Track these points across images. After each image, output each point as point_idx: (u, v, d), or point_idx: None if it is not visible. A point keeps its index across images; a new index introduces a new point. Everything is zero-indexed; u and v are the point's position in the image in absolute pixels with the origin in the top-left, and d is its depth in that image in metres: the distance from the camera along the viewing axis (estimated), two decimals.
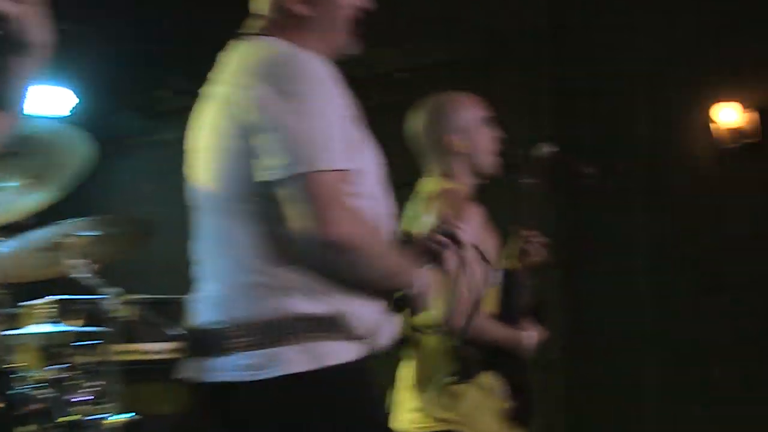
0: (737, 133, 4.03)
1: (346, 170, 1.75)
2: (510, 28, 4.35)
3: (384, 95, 4.10)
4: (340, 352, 1.76)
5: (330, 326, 1.78)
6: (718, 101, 4.01)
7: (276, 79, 1.77)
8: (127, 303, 3.35)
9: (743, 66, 3.99)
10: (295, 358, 1.72)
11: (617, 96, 4.15)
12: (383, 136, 1.97)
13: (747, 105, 4.00)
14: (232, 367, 1.75)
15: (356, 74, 2.11)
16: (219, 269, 1.84)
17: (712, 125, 4.01)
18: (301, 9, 1.89)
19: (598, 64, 4.14)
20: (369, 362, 1.83)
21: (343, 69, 1.90)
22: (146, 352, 3.83)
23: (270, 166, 1.70)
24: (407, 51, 4.77)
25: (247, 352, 1.74)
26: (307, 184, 1.70)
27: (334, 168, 1.72)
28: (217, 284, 1.83)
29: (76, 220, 3.25)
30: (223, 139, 1.80)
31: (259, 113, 1.74)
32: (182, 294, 4.06)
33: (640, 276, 4.15)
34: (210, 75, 1.98)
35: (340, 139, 1.76)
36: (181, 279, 4.72)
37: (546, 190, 2.76)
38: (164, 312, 3.76)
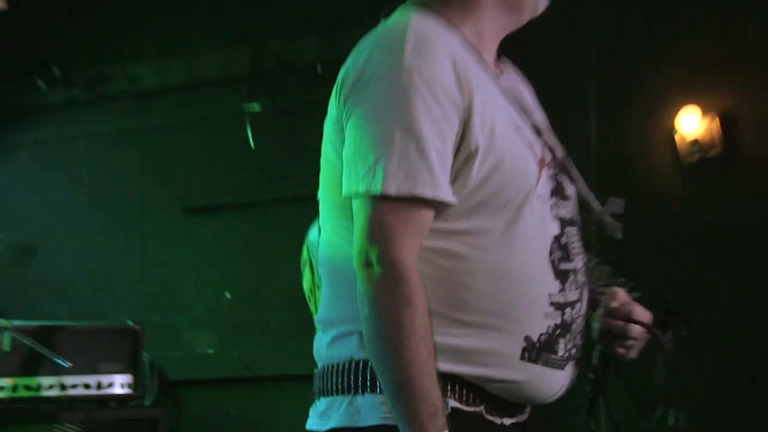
0: (696, 145, 3.79)
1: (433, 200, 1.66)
2: None
3: None
4: None
5: None
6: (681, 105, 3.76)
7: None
8: (2, 330, 3.38)
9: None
10: None
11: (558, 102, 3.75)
12: None
13: (707, 110, 3.74)
14: None
15: None
16: None
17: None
18: None
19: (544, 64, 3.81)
20: None
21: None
22: (31, 388, 3.69)
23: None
24: None
25: None
26: (368, 203, 1.65)
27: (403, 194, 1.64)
28: None
29: None
30: None
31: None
32: (73, 319, 3.92)
33: None
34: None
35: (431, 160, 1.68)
36: (70, 303, 4.43)
37: None
38: (50, 341, 3.70)
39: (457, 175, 1.63)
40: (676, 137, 3.69)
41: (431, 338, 1.60)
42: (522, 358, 1.69)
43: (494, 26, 1.78)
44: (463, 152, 1.63)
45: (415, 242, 1.61)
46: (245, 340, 4.48)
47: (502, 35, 1.81)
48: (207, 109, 4.58)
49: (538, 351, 1.71)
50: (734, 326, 3.64)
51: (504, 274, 1.70)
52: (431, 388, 1.56)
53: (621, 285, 2.03)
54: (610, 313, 1.86)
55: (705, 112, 3.65)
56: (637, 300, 1.98)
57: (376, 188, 1.57)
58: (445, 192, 1.61)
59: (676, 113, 3.67)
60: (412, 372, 1.56)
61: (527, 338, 1.69)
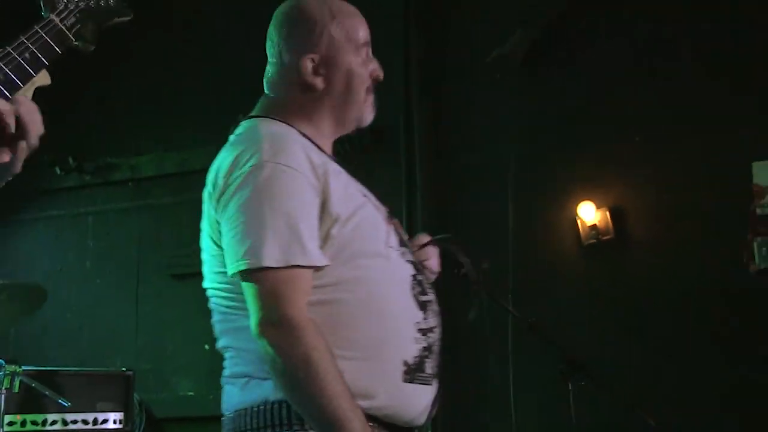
0: (594, 230, 4.17)
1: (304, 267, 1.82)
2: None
3: None
4: None
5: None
6: (581, 200, 4.17)
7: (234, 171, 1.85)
8: (14, 374, 3.48)
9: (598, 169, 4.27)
10: None
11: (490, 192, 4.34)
12: None
13: (600, 203, 4.17)
14: None
15: None
16: None
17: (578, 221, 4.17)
18: (314, 81, 1.96)
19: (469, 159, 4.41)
20: None
21: None
22: (37, 424, 3.81)
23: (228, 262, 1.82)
24: None
25: None
26: (254, 278, 1.76)
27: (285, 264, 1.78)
28: None
29: None
30: None
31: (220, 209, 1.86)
32: (75, 365, 4.31)
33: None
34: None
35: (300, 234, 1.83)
36: (74, 351, 4.91)
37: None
38: (54, 384, 3.79)
39: (326, 238, 1.83)
40: (578, 224, 4.10)
41: (339, 372, 1.74)
42: (404, 380, 1.87)
43: (329, 131, 1.99)
44: (327, 221, 1.82)
45: (302, 299, 1.77)
46: (220, 385, 4.52)
47: (336, 137, 2.04)
48: (195, 192, 4.60)
49: (413, 372, 1.90)
50: (621, 372, 3.86)
51: (379, 310, 1.89)
52: (355, 410, 1.73)
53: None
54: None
55: (599, 205, 4.07)
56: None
57: (258, 263, 1.72)
58: (316, 258, 1.78)
59: (578, 205, 4.08)
60: (338, 402, 1.71)
61: (405, 362, 1.87)
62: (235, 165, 1.80)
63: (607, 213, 4.09)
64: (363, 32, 2.00)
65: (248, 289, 1.72)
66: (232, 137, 1.92)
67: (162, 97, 5.17)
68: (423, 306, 1.97)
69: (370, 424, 1.81)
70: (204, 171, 4.83)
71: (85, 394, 3.99)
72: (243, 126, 1.93)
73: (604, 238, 4.10)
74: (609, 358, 3.91)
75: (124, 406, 4.07)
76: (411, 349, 1.90)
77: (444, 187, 4.52)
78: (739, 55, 4.01)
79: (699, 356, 3.88)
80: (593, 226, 4.09)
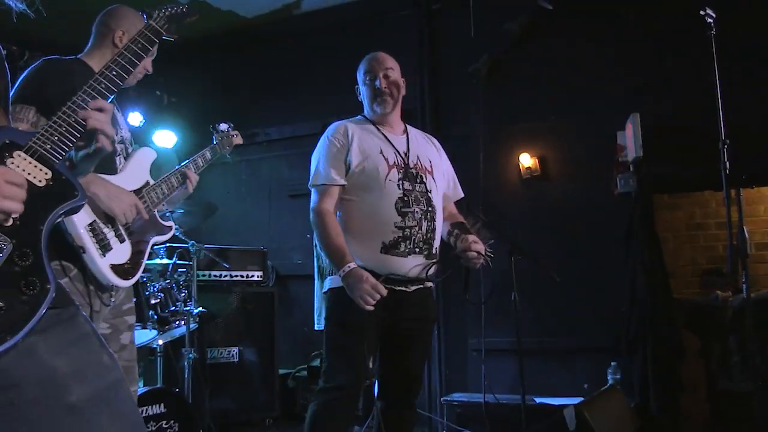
0: (529, 170, 4.92)
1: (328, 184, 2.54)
2: None
3: None
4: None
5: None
6: (521, 152, 4.96)
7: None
8: (200, 249, 4.18)
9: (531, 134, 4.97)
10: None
11: (467, 152, 5.02)
12: None
13: (532, 154, 4.92)
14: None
15: None
16: None
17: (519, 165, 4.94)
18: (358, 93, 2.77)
19: (458, 131, 5.09)
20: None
21: None
22: (212, 276, 4.68)
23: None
24: None
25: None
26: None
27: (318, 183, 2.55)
28: None
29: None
30: None
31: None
32: (234, 245, 5.17)
33: None
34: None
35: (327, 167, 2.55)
36: (233, 238, 5.68)
37: None
38: (223, 255, 4.69)
39: (346, 171, 2.57)
40: (520, 166, 4.98)
41: (339, 233, 2.45)
42: (381, 251, 2.48)
43: (381, 117, 2.69)
44: (347, 162, 2.56)
45: (330, 201, 2.55)
46: (315, 257, 5.13)
47: (389, 121, 2.70)
48: (302, 149, 5.24)
49: (387, 248, 2.49)
50: (543, 253, 4.41)
51: (374, 210, 2.51)
52: (341, 252, 2.42)
53: (486, 237, 2.73)
54: (464, 246, 2.52)
55: (532, 155, 4.98)
56: (492, 242, 2.69)
57: (313, 182, 2.60)
58: (337, 180, 2.55)
59: (520, 155, 4.99)
60: (331, 244, 2.43)
61: (383, 242, 2.48)
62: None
63: (536, 159, 4.94)
64: (365, 69, 2.75)
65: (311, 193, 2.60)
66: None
67: (280, 87, 5.82)
68: (402, 213, 2.51)
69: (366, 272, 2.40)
70: (308, 136, 5.51)
71: (240, 261, 4.89)
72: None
73: (534, 174, 4.93)
74: (536, 245, 4.57)
75: (262, 267, 4.99)
76: (388, 236, 2.49)
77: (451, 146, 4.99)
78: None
79: (585, 242, 4.63)
80: (528, 168, 4.94)
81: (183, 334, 3.84)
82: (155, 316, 3.61)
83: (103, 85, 1.52)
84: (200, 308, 3.86)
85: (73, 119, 1.44)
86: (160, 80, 5.34)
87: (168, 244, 4.14)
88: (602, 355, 4.28)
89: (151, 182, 2.47)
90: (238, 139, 2.93)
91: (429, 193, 2.59)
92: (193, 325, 3.83)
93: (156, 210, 2.46)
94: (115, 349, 2.31)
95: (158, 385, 3.40)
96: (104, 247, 2.16)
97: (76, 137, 1.44)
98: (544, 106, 4.98)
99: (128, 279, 2.25)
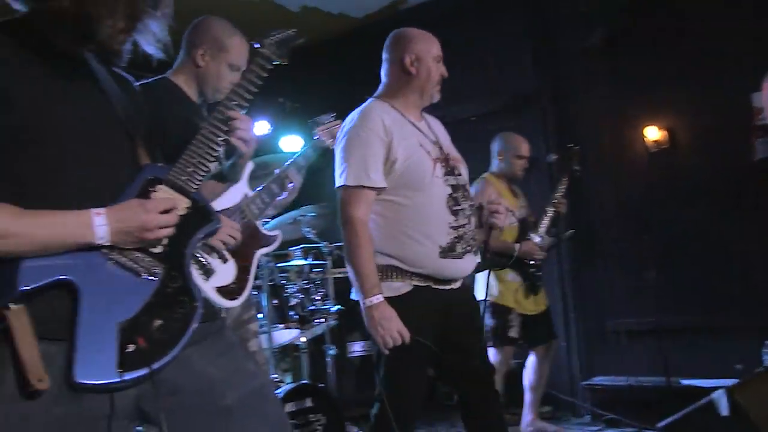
0: (656, 143, 4.76)
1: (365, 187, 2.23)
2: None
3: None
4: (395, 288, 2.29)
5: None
6: (647, 125, 4.77)
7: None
8: (332, 250, 4.19)
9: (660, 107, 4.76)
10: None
11: (590, 125, 5.01)
12: None
13: (660, 126, 4.74)
14: None
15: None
16: None
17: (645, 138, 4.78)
18: (408, 72, 2.41)
19: (584, 111, 5.03)
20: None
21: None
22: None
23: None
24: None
25: None
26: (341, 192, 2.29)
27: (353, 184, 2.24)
28: None
29: (303, 207, 3.96)
30: None
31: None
32: None
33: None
34: None
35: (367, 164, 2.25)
36: None
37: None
38: None
39: (389, 171, 2.28)
40: (646, 139, 4.76)
41: (371, 253, 2.21)
42: (439, 256, 2.27)
43: (413, 105, 2.45)
44: (390, 160, 2.29)
45: (366, 208, 2.26)
46: None
47: (420, 107, 2.49)
48: None
49: (445, 251, 2.28)
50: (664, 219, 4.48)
51: (428, 212, 2.29)
52: (372, 274, 2.19)
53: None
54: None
55: (659, 127, 4.74)
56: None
57: (341, 180, 2.29)
58: (377, 182, 2.26)
59: (645, 128, 4.76)
60: (363, 265, 2.19)
61: (440, 245, 2.28)
62: (346, 125, 2.38)
63: (665, 131, 4.74)
64: (435, 50, 2.49)
65: (338, 194, 2.31)
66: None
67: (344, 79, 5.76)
68: (455, 212, 2.33)
69: (420, 283, 2.26)
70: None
71: None
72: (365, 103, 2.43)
73: (663, 147, 4.74)
74: (671, 220, 4.59)
75: None
76: (444, 238, 2.28)
77: (569, 127, 5.09)
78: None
79: (726, 215, 4.39)
80: (655, 141, 4.76)
81: (324, 330, 3.98)
82: (296, 316, 3.75)
83: (224, 115, 1.62)
84: (338, 306, 3.95)
85: (203, 150, 1.55)
86: (284, 88, 5.48)
87: (303, 246, 4.32)
88: (756, 333, 3.98)
89: (250, 194, 2.48)
90: (339, 125, 2.73)
91: (467, 185, 2.47)
92: (332, 322, 3.95)
93: (259, 220, 2.48)
94: None
95: (304, 381, 3.53)
96: (207, 272, 2.24)
97: (207, 168, 1.55)
98: (668, 75, 4.72)
99: (235, 299, 2.32)
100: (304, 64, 4.61)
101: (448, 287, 2.32)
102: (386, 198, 2.31)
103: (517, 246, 3.89)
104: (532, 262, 4.02)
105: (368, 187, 2.26)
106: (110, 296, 1.38)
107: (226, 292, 2.28)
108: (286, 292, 3.78)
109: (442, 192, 2.31)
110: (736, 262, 4.45)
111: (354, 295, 2.31)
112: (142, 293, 1.42)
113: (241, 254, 2.39)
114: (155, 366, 1.37)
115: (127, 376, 1.33)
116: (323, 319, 3.88)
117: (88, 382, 1.32)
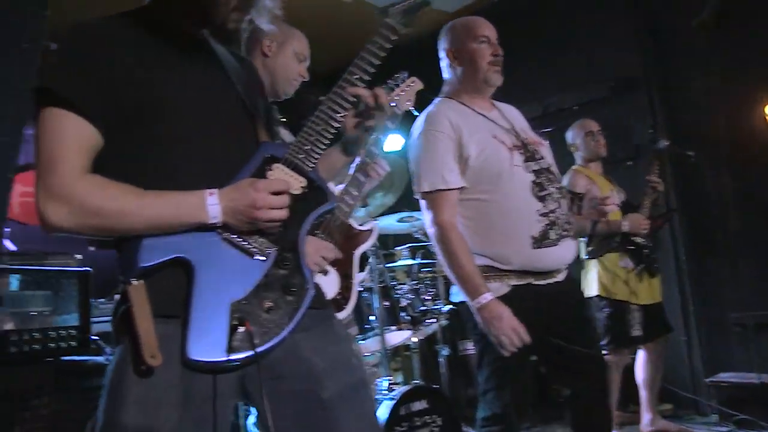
0: None
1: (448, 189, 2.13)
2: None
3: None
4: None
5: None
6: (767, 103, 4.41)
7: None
8: None
9: None
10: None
11: (701, 108, 4.78)
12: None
13: None
14: None
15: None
16: None
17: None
18: (454, 64, 2.37)
19: (688, 91, 4.82)
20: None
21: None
22: None
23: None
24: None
25: None
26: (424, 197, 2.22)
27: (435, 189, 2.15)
28: None
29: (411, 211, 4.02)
30: None
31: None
32: None
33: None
34: None
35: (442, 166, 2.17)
36: None
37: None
38: None
39: (464, 169, 2.21)
40: (767, 117, 4.44)
41: (469, 254, 2.13)
42: (532, 246, 2.17)
43: (476, 95, 2.38)
44: (463, 157, 2.21)
45: (451, 210, 2.19)
46: None
47: (485, 96, 2.41)
48: None
49: (538, 241, 2.18)
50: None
51: (508, 207, 2.20)
52: (473, 274, 2.11)
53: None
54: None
55: None
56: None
57: (418, 189, 2.23)
58: (454, 183, 2.19)
59: (766, 105, 4.42)
60: (463, 268, 2.11)
61: (531, 236, 2.18)
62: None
63: None
64: (478, 30, 2.36)
65: (422, 201, 2.27)
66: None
67: None
68: (541, 198, 2.23)
69: (519, 281, 2.17)
70: None
71: None
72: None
73: None
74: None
75: None
76: (535, 227, 2.18)
77: (678, 111, 4.86)
78: None
79: None
80: None
81: (436, 330, 3.95)
82: (408, 317, 3.72)
83: (346, 91, 1.56)
84: (449, 305, 3.87)
85: (321, 127, 1.51)
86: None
87: (411, 245, 4.30)
88: None
89: (336, 190, 2.40)
90: (418, 85, 2.49)
91: (551, 167, 2.33)
92: (444, 322, 3.90)
93: (351, 217, 2.39)
94: None
95: (418, 382, 3.50)
96: None
97: (325, 147, 1.51)
98: None
99: (343, 309, 2.27)
100: (402, 61, 4.80)
101: (550, 281, 2.23)
102: (469, 197, 2.24)
103: (623, 223, 3.73)
104: (643, 242, 3.85)
105: (446, 190, 2.19)
106: (223, 276, 1.38)
107: (333, 304, 2.24)
108: (397, 293, 3.74)
109: (524, 179, 2.22)
110: None
111: (454, 298, 2.26)
112: (255, 274, 1.42)
113: (341, 261, 2.34)
114: (260, 349, 1.37)
115: (234, 356, 1.33)
116: (434, 319, 3.83)
117: (200, 359, 1.32)
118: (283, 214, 1.42)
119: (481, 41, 2.33)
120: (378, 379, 3.44)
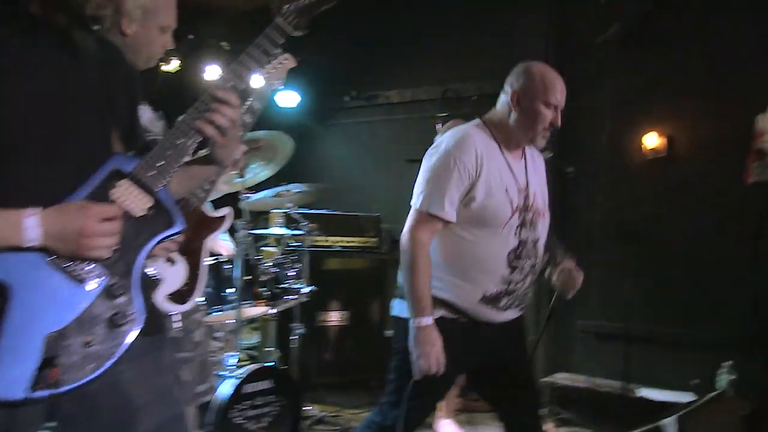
0: (654, 150, 4.68)
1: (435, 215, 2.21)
2: None
3: None
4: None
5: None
6: (647, 131, 4.69)
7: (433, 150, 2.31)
8: (312, 229, 4.25)
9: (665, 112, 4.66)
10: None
11: (587, 125, 4.84)
12: None
13: (660, 133, 4.64)
14: None
15: None
16: None
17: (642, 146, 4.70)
18: (514, 107, 2.31)
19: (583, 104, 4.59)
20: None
21: None
22: (322, 245, 4.85)
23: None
24: None
25: None
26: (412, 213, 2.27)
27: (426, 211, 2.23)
28: None
29: (288, 184, 4.06)
30: None
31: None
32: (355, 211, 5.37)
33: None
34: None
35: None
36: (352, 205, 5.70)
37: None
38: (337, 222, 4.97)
39: (463, 206, 2.27)
40: (643, 146, 4.67)
41: (428, 277, 2.21)
42: (479, 301, 2.29)
43: (514, 141, 2.38)
44: (468, 197, 2.26)
45: (430, 234, 2.27)
46: None
47: (521, 146, 2.41)
48: (419, 113, 5.43)
49: (487, 300, 2.29)
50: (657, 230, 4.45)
51: (484, 257, 2.27)
52: (424, 297, 2.21)
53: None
54: (564, 282, 2.45)
55: (659, 134, 4.65)
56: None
57: (416, 202, 2.30)
58: (449, 216, 2.25)
59: (646, 134, 4.67)
60: (418, 288, 2.21)
61: (484, 293, 2.28)
62: (442, 144, 2.34)
63: (664, 139, 4.64)
64: (551, 92, 2.34)
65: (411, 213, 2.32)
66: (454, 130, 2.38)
67: (405, 49, 5.73)
68: (512, 267, 2.31)
69: (458, 316, 2.29)
70: (427, 101, 5.64)
71: (354, 227, 5.13)
72: (467, 125, 2.41)
73: (659, 155, 4.65)
74: (656, 229, 4.57)
75: (376, 233, 5.26)
76: (491, 288, 2.29)
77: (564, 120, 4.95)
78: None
79: (709, 231, 4.37)
80: (653, 149, 4.67)
81: (292, 307, 3.96)
82: (268, 292, 3.70)
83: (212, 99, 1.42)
84: (311, 287, 3.91)
85: (180, 141, 1.38)
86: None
87: (285, 211, 4.26)
88: (716, 351, 4.04)
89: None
90: (291, 62, 2.44)
91: (538, 242, 2.40)
92: (304, 299, 3.92)
93: (206, 202, 2.31)
94: (189, 348, 2.32)
95: (266, 363, 3.51)
96: (154, 284, 2.09)
97: (181, 162, 1.39)
98: (677, 83, 4.60)
99: (187, 302, 2.19)
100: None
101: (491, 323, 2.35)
102: (455, 230, 2.30)
103: None
104: None
105: (438, 217, 2.25)
106: (43, 303, 1.29)
107: (178, 296, 2.17)
108: (261, 268, 3.71)
109: (508, 243, 2.29)
110: (709, 278, 4.41)
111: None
112: (79, 302, 1.33)
113: (189, 249, 2.24)
114: (66, 388, 1.28)
115: (36, 395, 1.25)
116: (295, 296, 3.82)
117: None
118: (112, 242, 1.32)
119: (551, 108, 2.33)
120: (226, 354, 3.42)
